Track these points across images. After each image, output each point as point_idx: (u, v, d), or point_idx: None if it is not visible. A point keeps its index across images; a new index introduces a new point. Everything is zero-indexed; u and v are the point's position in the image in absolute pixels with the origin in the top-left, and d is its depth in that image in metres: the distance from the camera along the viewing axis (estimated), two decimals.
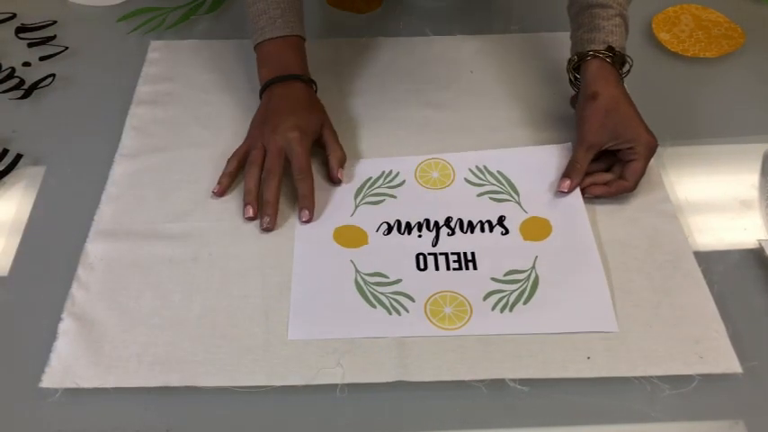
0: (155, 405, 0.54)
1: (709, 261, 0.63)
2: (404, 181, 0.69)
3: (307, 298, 0.60)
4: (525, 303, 0.59)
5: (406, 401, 0.54)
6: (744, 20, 0.88)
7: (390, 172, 0.70)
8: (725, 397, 0.54)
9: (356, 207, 0.67)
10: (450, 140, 0.73)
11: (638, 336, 0.57)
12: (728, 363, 0.55)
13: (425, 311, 0.59)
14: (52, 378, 0.55)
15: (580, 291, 0.60)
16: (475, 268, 0.62)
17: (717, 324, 0.58)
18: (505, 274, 0.61)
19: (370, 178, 0.70)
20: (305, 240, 0.64)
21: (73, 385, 0.54)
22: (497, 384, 0.55)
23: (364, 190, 0.69)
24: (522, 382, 0.55)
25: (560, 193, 0.67)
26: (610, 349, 0.56)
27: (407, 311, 0.59)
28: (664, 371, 0.55)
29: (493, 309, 0.59)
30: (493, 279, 0.61)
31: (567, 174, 0.67)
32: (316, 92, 0.73)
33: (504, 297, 0.60)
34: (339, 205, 0.67)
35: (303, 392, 0.54)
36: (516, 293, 0.60)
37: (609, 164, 0.68)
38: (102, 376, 0.55)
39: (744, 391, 0.55)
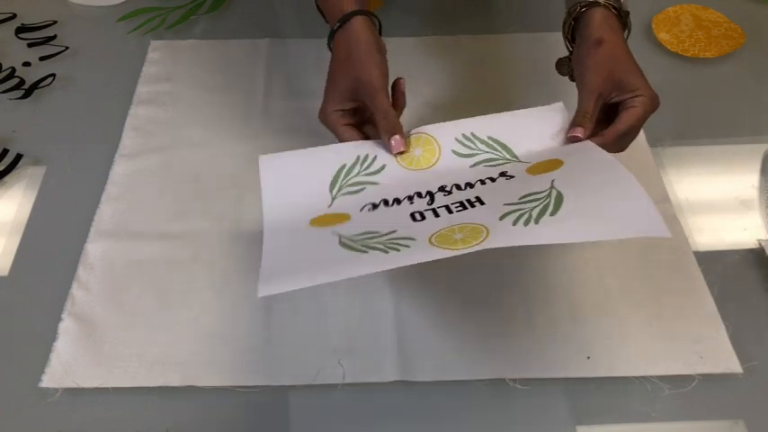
0: (155, 405, 0.54)
1: (709, 261, 0.63)
2: (383, 165, 0.58)
3: (279, 253, 0.49)
4: (552, 215, 0.47)
5: (406, 401, 0.54)
6: (744, 20, 0.87)
7: (366, 157, 0.58)
8: (725, 397, 0.54)
9: (333, 199, 0.57)
10: None
11: (638, 336, 0.57)
12: (728, 363, 0.55)
13: (430, 242, 0.48)
14: (52, 378, 0.55)
15: (616, 197, 0.48)
16: (482, 204, 0.51)
17: (717, 324, 0.58)
18: (521, 198, 0.50)
19: (344, 166, 0.58)
20: (275, 230, 0.54)
21: (73, 385, 0.54)
22: (497, 384, 0.55)
23: (339, 181, 0.57)
24: (522, 382, 0.55)
25: (573, 139, 0.57)
26: (610, 349, 0.56)
27: (409, 247, 0.47)
28: (664, 371, 0.55)
29: (514, 224, 0.47)
30: (507, 204, 0.50)
31: (577, 123, 0.57)
32: (379, 27, 0.64)
33: (524, 213, 0.48)
34: (314, 200, 0.56)
35: (303, 392, 0.54)
36: (539, 209, 0.48)
37: None
38: (102, 376, 0.55)
39: (744, 391, 0.55)
